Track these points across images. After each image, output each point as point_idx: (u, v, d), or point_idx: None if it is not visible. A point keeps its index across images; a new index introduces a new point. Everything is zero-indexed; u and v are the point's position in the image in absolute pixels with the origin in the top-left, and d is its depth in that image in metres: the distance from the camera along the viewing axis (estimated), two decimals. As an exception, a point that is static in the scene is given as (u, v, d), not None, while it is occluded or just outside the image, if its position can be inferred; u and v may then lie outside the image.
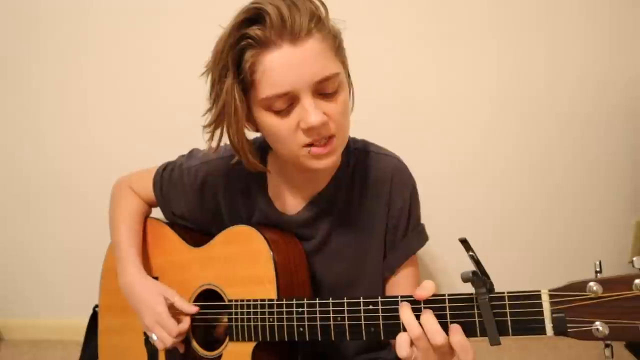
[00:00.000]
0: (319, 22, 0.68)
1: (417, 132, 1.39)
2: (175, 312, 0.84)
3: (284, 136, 0.72)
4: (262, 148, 0.87)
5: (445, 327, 0.60)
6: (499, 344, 0.57)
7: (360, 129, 0.88)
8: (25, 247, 1.62)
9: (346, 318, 0.70)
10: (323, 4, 0.70)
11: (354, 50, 0.78)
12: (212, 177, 0.91)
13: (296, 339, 0.75)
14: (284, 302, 0.76)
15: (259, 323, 0.78)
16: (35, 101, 1.47)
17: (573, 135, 1.38)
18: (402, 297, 0.65)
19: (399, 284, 0.88)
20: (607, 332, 0.52)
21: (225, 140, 0.76)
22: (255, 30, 0.66)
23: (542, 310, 0.56)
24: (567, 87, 1.34)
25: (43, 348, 1.64)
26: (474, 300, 0.60)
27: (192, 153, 0.97)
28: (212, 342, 0.88)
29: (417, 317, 0.62)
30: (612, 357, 0.54)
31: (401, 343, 0.62)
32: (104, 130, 1.47)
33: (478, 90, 1.35)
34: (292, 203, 0.88)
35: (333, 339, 0.71)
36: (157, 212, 1.00)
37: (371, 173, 0.87)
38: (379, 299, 0.67)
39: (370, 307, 0.68)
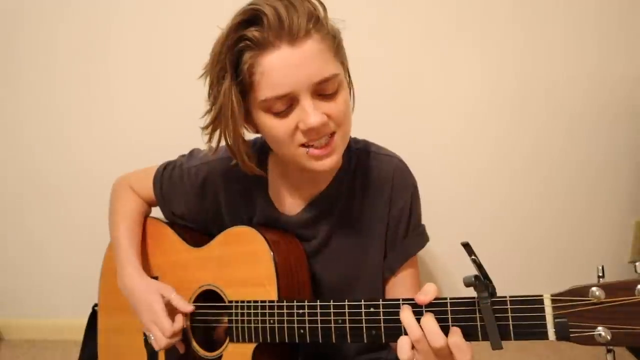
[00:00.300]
0: (317, 22, 0.68)
1: (419, 133, 1.38)
2: (172, 311, 0.84)
3: (283, 137, 0.71)
4: (263, 149, 0.87)
5: (446, 331, 0.60)
6: (501, 348, 0.57)
7: (361, 129, 0.88)
8: (25, 248, 1.62)
9: (347, 321, 0.69)
10: (321, 3, 0.69)
11: (354, 49, 0.77)
12: (213, 177, 0.91)
13: (297, 340, 0.74)
14: (285, 303, 0.76)
15: (260, 324, 0.78)
16: (36, 101, 1.47)
17: (573, 136, 1.37)
18: (403, 300, 0.65)
19: (399, 284, 0.88)
20: (609, 337, 0.52)
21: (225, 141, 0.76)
22: (253, 32, 0.66)
23: (545, 315, 0.56)
24: (567, 88, 1.34)
25: (43, 348, 1.64)
26: (476, 305, 0.59)
27: (193, 153, 0.96)
28: (212, 342, 0.88)
29: (418, 320, 0.62)
30: (615, 362, 0.54)
31: (403, 345, 0.62)
32: (104, 130, 1.47)
33: (480, 91, 1.35)
34: (292, 203, 0.88)
35: (334, 341, 0.71)
36: (157, 212, 1.00)
37: (372, 173, 0.86)
38: (381, 302, 0.67)
39: (372, 309, 0.67)
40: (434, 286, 0.63)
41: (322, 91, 0.69)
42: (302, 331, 0.74)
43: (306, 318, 0.73)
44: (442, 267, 1.48)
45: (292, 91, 0.67)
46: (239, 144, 0.75)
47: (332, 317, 0.71)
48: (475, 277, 0.57)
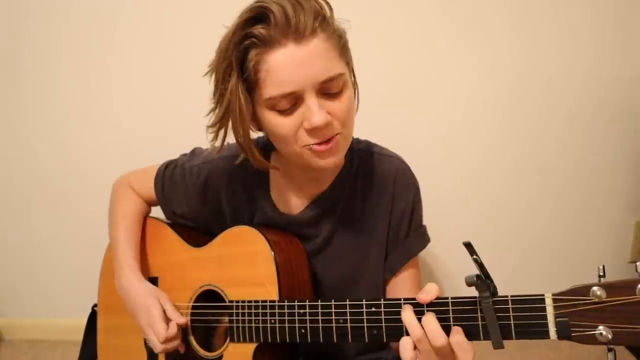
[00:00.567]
0: (323, 21, 0.68)
1: (420, 133, 1.38)
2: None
3: (287, 135, 0.71)
4: (265, 148, 0.87)
5: (448, 330, 0.60)
6: (503, 347, 0.57)
7: (363, 129, 0.88)
8: (25, 247, 1.61)
9: (348, 320, 0.69)
10: (328, 3, 0.70)
11: (358, 50, 0.78)
12: (215, 177, 0.91)
13: (298, 340, 0.74)
14: (286, 303, 0.75)
15: (260, 324, 0.78)
16: (37, 102, 1.47)
17: (573, 136, 1.37)
18: (405, 299, 0.65)
19: (400, 285, 0.88)
20: (610, 336, 0.52)
21: (229, 140, 0.76)
22: (259, 29, 0.66)
23: (546, 315, 0.56)
24: (567, 88, 1.33)
25: (43, 348, 1.63)
26: (478, 304, 0.60)
27: (195, 152, 0.96)
28: (213, 342, 0.88)
29: (420, 320, 0.62)
30: (615, 361, 0.54)
31: (405, 345, 0.62)
32: (104, 129, 1.47)
33: (476, 91, 1.35)
34: (294, 203, 0.88)
35: (335, 340, 0.71)
36: (157, 212, 1.00)
37: (374, 174, 0.87)
38: (382, 302, 0.67)
39: (373, 309, 0.67)
40: (435, 286, 0.63)
41: (327, 90, 0.69)
42: (303, 331, 0.74)
43: (307, 318, 0.73)
44: (444, 269, 1.48)
45: (297, 89, 0.67)
46: (249, 140, 0.75)
47: (333, 317, 0.71)
48: (477, 276, 0.58)
